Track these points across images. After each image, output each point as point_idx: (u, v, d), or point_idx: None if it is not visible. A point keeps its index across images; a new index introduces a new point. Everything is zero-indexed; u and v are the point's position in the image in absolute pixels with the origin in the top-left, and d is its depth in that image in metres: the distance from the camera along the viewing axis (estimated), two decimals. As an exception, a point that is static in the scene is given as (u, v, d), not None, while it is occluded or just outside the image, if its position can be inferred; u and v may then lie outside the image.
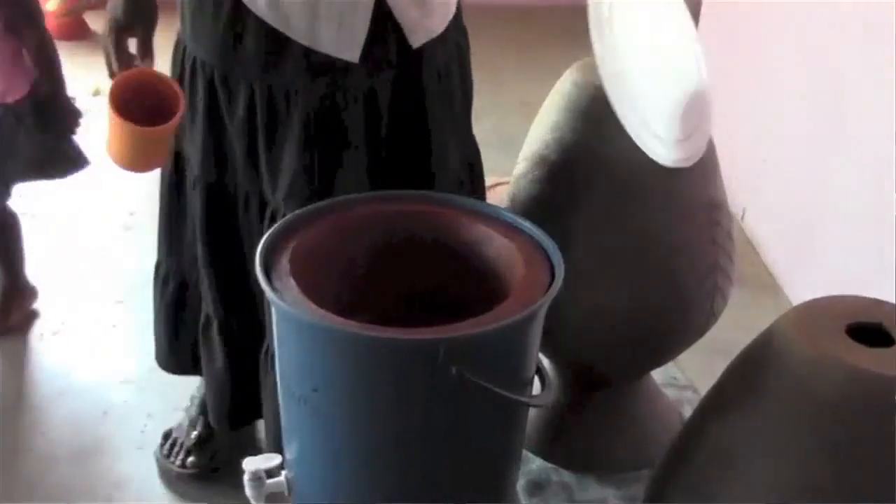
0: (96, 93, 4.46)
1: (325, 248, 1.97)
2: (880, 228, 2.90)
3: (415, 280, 2.04)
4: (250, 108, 2.36)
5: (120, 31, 2.25)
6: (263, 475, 2.03)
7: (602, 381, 2.69)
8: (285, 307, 1.79)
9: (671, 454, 2.02)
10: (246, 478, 2.04)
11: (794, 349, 1.82)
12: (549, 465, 2.72)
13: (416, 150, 2.47)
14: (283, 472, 2.04)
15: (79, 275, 4.08)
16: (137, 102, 2.15)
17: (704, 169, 2.50)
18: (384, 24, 2.32)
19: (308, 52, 2.30)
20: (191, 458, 2.75)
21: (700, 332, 2.60)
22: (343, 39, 2.29)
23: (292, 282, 1.85)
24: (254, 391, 2.64)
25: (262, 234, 2.13)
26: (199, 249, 2.58)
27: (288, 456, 2.02)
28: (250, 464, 2.05)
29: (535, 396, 1.91)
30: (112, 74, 2.27)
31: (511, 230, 2.01)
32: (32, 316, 3.73)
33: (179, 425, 2.79)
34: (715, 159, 2.53)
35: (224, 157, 2.46)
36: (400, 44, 2.36)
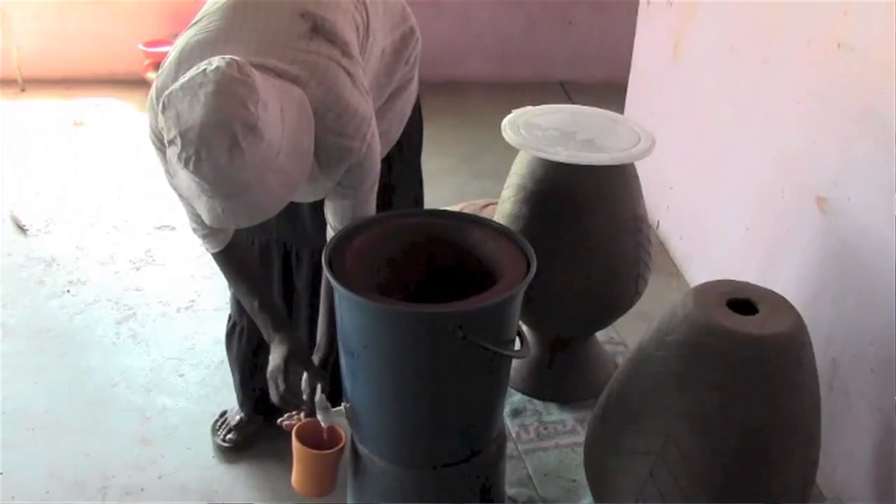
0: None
1: (371, 248, 1.96)
2: (746, 236, 2.92)
3: (433, 269, 2.05)
4: None
5: (285, 369, 2.01)
6: (328, 404, 2.00)
7: (563, 339, 2.70)
8: (344, 291, 1.80)
9: (610, 390, 2.04)
10: (318, 405, 2.01)
11: (691, 317, 1.85)
12: (526, 397, 2.74)
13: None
14: (343, 403, 2.05)
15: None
16: (310, 441, 2.02)
17: (631, 192, 2.52)
18: None
19: None
20: (230, 435, 2.62)
21: (629, 304, 2.62)
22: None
23: (348, 273, 1.85)
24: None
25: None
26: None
27: (346, 392, 2.02)
28: (321, 396, 2.02)
29: (517, 351, 1.92)
30: (278, 401, 2.04)
31: (499, 235, 2.01)
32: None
33: (232, 408, 2.69)
34: (639, 185, 2.55)
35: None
36: None
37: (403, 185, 2.36)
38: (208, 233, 2.04)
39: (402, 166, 2.34)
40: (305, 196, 1.99)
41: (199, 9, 1.91)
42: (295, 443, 2.02)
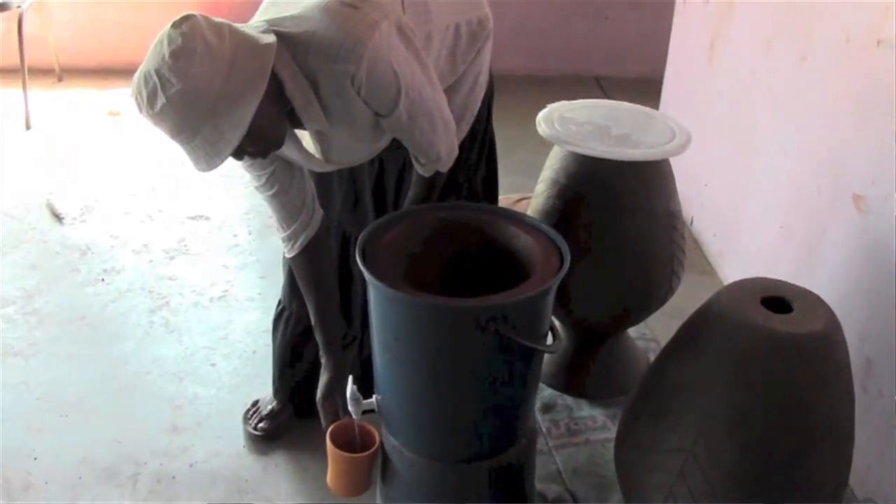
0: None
1: (404, 240, 1.97)
2: (781, 233, 2.90)
3: (465, 262, 2.04)
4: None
5: (327, 399, 2.14)
6: (360, 397, 2.02)
7: (594, 335, 2.69)
8: (376, 282, 1.80)
9: (641, 386, 2.04)
10: (349, 397, 2.02)
11: (725, 315, 1.84)
12: (557, 392, 2.73)
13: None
14: (374, 395, 2.05)
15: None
16: (344, 442, 2.06)
17: (666, 188, 2.51)
18: None
19: None
20: (261, 424, 2.64)
21: (662, 301, 2.61)
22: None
23: (381, 265, 1.85)
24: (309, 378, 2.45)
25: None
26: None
27: (378, 384, 2.02)
28: (353, 388, 2.03)
29: (549, 346, 1.91)
30: (325, 428, 2.12)
31: (533, 230, 2.01)
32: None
33: (264, 398, 2.70)
34: (673, 182, 2.53)
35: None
36: None
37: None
38: (284, 237, 2.14)
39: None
40: (358, 151, 2.04)
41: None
42: (329, 445, 2.04)
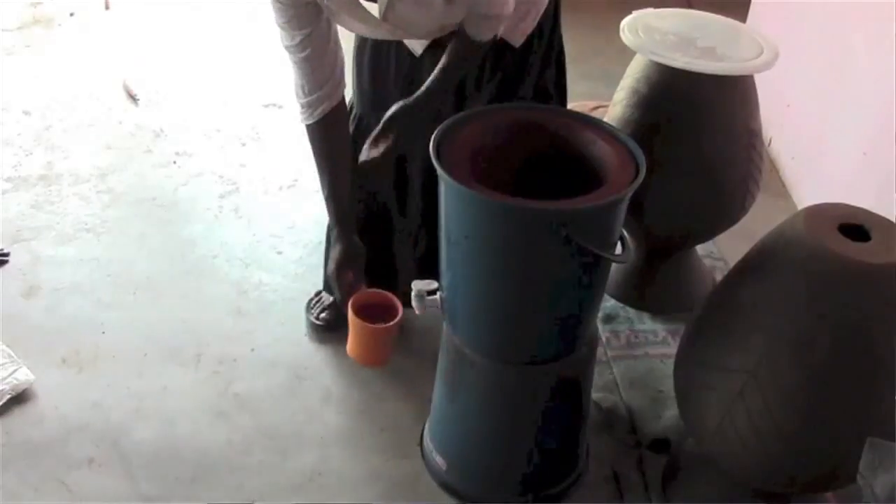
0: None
1: (478, 139, 1.94)
2: (863, 161, 2.83)
3: (539, 165, 2.01)
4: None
5: (340, 270, 2.16)
6: (425, 294, 2.02)
7: (663, 249, 2.67)
8: (450, 180, 1.79)
9: (707, 303, 2.01)
10: (413, 294, 2.03)
11: (800, 238, 1.80)
12: (619, 304, 2.72)
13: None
14: (438, 293, 2.04)
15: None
16: (367, 313, 2.08)
17: (748, 105, 2.45)
18: None
19: None
20: (323, 314, 2.66)
21: (733, 221, 2.58)
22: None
23: (455, 162, 1.84)
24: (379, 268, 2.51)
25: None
26: None
27: (443, 282, 2.02)
28: (416, 285, 2.04)
29: (618, 255, 1.89)
30: (340, 300, 2.19)
31: (610, 137, 1.97)
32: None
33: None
34: (756, 100, 2.47)
35: None
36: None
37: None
38: (304, 102, 2.12)
39: (527, 85, 2.33)
40: (421, 17, 2.00)
41: None
42: (350, 315, 2.05)
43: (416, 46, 2.22)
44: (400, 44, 2.23)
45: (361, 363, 2.19)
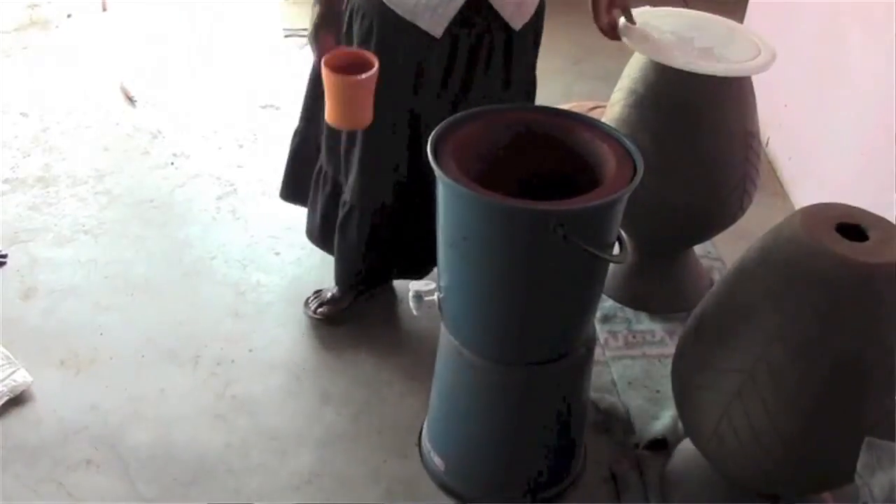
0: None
1: (476, 140, 1.95)
2: (861, 161, 2.83)
3: (536, 165, 2.01)
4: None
5: (318, 32, 2.08)
6: (423, 294, 2.04)
7: (660, 250, 2.67)
8: (448, 180, 1.79)
9: (705, 304, 2.01)
10: (410, 295, 2.04)
11: (797, 238, 1.80)
12: (617, 304, 2.72)
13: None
14: (436, 294, 2.05)
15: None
16: (344, 70, 1.98)
17: (745, 106, 2.45)
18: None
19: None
20: (321, 309, 2.68)
21: (731, 221, 2.58)
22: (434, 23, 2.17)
23: (453, 163, 1.84)
24: (376, 266, 2.58)
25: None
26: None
27: (441, 283, 2.02)
28: (414, 286, 2.05)
29: (615, 256, 1.89)
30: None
31: (607, 137, 1.97)
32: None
33: (327, 287, 2.72)
34: (753, 100, 2.47)
35: None
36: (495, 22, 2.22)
37: (517, 82, 2.34)
38: None
39: (521, 65, 2.32)
40: None
41: None
42: (325, 70, 1.97)
43: (436, 27, 2.18)
44: (412, 30, 2.20)
45: (341, 125, 2.11)
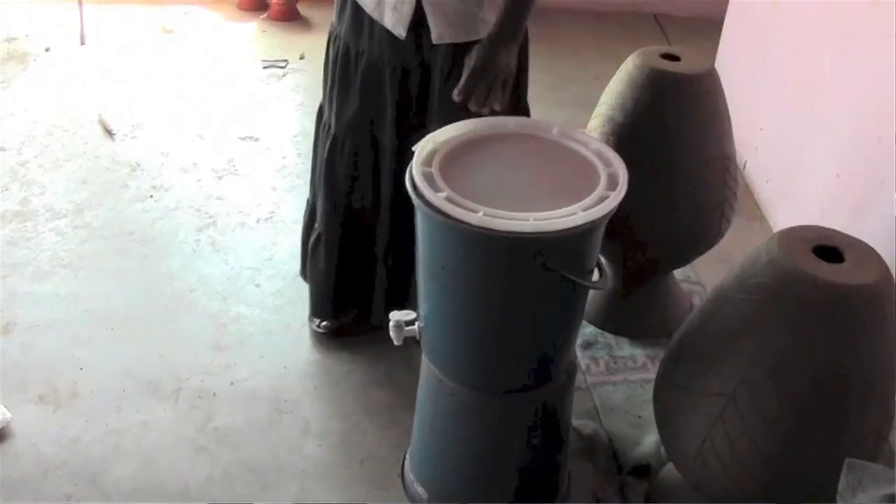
0: (302, 56, 4.42)
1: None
2: (837, 183, 2.86)
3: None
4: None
5: None
6: (403, 324, 2.04)
7: (640, 274, 2.68)
8: (424, 206, 1.79)
9: (686, 328, 2.02)
10: (391, 325, 2.04)
11: (775, 261, 1.81)
12: (598, 330, 2.73)
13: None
14: (417, 323, 2.05)
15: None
16: None
17: (722, 130, 2.47)
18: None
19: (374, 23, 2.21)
20: (324, 323, 2.69)
21: (710, 245, 2.59)
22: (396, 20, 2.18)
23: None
24: (352, 290, 2.58)
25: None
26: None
27: (421, 312, 2.03)
28: (394, 315, 2.05)
29: (595, 282, 1.90)
30: None
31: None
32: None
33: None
34: (729, 124, 2.49)
35: None
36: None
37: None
38: None
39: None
40: None
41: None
42: None
43: (398, 26, 2.18)
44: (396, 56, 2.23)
45: None
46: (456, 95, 2.04)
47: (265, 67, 4.30)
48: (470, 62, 2.05)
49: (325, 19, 2.43)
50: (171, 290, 2.94)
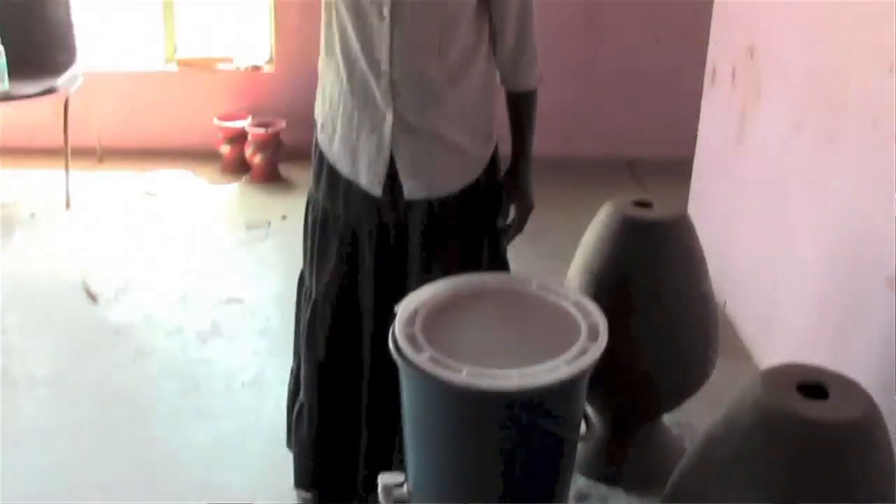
0: (284, 217, 4.48)
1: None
2: (816, 315, 2.88)
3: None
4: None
5: None
6: (391, 487, 2.01)
7: (630, 421, 2.66)
8: (406, 366, 1.79)
9: (678, 475, 2.00)
10: (379, 488, 2.02)
11: (760, 402, 1.81)
12: (591, 481, 2.69)
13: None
14: (405, 485, 2.02)
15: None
16: None
17: (699, 272, 2.50)
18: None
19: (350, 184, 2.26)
20: (307, 495, 2.58)
21: (697, 386, 2.59)
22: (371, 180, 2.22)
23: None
24: (335, 460, 2.52)
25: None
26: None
27: (409, 474, 2.01)
28: (383, 478, 2.03)
29: (584, 435, 1.89)
30: None
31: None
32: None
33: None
34: (705, 266, 2.53)
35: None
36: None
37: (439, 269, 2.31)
38: None
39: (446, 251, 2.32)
40: (428, 19, 2.10)
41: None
42: None
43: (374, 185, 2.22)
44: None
45: None
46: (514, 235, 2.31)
47: (249, 230, 4.36)
48: (520, 198, 2.31)
49: (305, 179, 2.47)
50: (155, 456, 2.90)
